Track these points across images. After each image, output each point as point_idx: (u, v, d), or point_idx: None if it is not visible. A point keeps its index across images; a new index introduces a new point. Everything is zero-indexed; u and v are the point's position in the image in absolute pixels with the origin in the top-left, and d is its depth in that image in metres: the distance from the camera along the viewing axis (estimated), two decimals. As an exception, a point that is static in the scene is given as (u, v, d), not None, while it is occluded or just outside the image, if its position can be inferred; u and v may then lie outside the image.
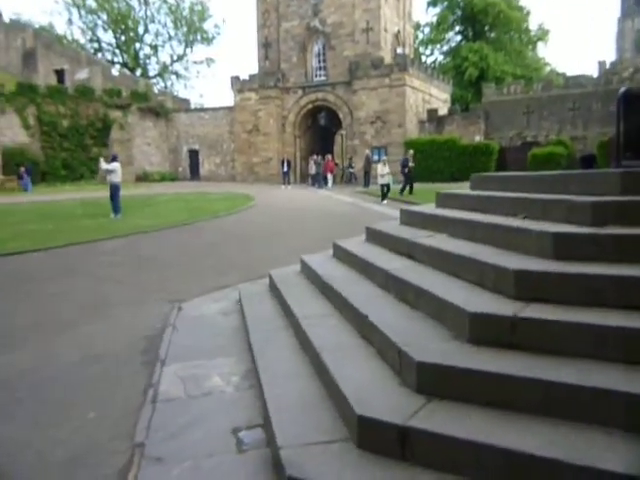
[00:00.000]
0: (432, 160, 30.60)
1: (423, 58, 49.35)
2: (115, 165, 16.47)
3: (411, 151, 24.15)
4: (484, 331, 3.12)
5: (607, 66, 40.40)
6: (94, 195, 25.46)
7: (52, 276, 8.38)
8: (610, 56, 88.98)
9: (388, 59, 33.26)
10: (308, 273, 6.13)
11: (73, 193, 28.27)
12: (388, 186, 20.04)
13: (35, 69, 43.62)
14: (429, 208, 6.37)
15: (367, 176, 29.84)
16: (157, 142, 39.80)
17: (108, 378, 4.40)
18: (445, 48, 50.70)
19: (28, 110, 34.83)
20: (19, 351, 5.10)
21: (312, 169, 30.96)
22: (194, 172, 39.71)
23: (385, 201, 19.44)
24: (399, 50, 33.50)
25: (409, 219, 6.05)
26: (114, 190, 16.22)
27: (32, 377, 4.45)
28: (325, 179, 31.35)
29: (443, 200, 6.14)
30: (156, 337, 5.38)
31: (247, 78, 36.60)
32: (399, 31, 36.37)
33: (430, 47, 50.95)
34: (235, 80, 36.90)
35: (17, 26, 45.33)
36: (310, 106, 35.49)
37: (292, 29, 35.14)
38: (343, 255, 6.03)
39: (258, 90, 35.93)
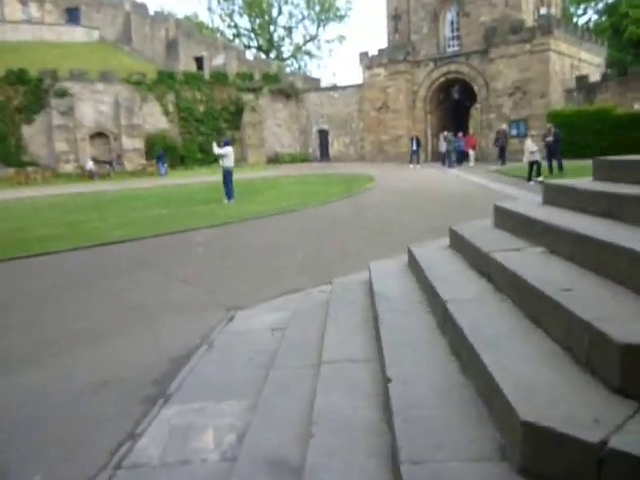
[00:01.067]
0: (580, 134, 27.10)
1: (574, 19, 44.31)
2: (227, 149, 16.21)
3: (549, 125, 21.39)
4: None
5: None
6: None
7: (125, 270, 8.02)
8: None
9: (530, 22, 30.00)
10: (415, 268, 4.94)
11: (205, 176, 29.09)
12: (538, 164, 17.97)
13: (177, 57, 45.85)
14: (529, 206, 4.85)
15: (503, 153, 27.31)
16: (287, 123, 39.93)
17: (93, 419, 3.64)
18: (601, 5, 45.11)
19: (167, 97, 36.55)
20: (29, 372, 4.55)
21: (442, 146, 28.89)
22: (324, 153, 39.33)
23: (532, 182, 17.36)
24: (542, 11, 30.01)
25: (502, 221, 4.62)
26: (227, 175, 16.00)
27: (21, 411, 3.83)
28: (463, 156, 29.05)
29: (553, 194, 4.61)
30: (182, 359, 4.58)
31: (376, 53, 35.20)
32: (544, -11, 32.70)
33: (583, 5, 45.60)
34: (363, 56, 35.67)
35: (161, 17, 47.83)
36: (442, 79, 33.26)
37: (423, -3, 33.04)
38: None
39: (387, 65, 34.41)
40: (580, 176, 6.24)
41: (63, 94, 33.21)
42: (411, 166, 29.14)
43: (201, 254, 9.01)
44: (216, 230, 11.24)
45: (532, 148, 17.92)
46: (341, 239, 9.55)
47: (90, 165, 31.92)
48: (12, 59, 34.43)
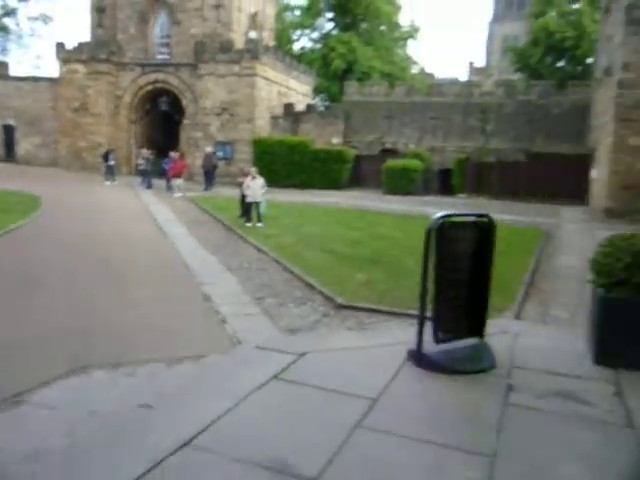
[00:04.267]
0: (281, 164, 27.36)
1: (290, 44, 45.80)
2: None
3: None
4: None
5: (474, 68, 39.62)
6: None
7: None
8: (481, 59, 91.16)
9: (241, 43, 29.34)
10: None
11: None
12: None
13: None
14: None
15: (208, 176, 25.93)
16: (-37, 112, 32.82)
17: None
18: (315, 35, 47.57)
19: None
20: None
21: (141, 164, 26.28)
22: (10, 152, 33.30)
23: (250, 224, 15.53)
24: (252, 34, 29.61)
25: None
26: None
27: None
28: (168, 181, 23.46)
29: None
30: None
31: (76, 46, 30.87)
32: (257, 12, 32.47)
33: (300, 31, 47.49)
34: (60, 47, 30.98)
35: None
36: (150, 87, 30.62)
37: (131, -6, 29.97)
38: None
39: (88, 62, 30.35)
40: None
41: None
42: (107, 183, 25.94)
43: None
44: None
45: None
46: None
47: None
48: None
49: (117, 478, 3.04)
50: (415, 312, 4.57)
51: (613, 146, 18.58)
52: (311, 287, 9.38)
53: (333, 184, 27.27)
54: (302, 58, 42.55)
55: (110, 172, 26.49)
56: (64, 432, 3.62)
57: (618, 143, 18.37)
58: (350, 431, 3.46)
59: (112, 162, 26.60)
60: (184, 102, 29.95)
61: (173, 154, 24.44)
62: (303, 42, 48.15)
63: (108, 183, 25.96)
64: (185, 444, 3.28)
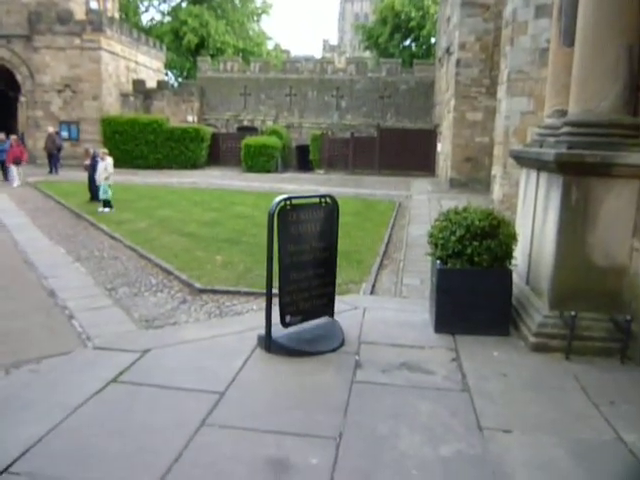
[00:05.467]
0: (134, 144, 25.99)
1: (138, 16, 43.33)
2: None
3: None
4: None
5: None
6: None
7: None
8: (335, 36, 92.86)
9: (81, 14, 27.16)
10: None
11: None
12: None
13: None
14: None
15: (53, 159, 23.92)
16: None
17: None
18: (164, 7, 45.41)
19: None
20: None
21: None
22: None
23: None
24: (93, 4, 27.54)
25: None
26: None
27: None
28: (5, 170, 20.79)
29: None
30: None
31: None
32: (97, -20, 30.22)
33: (147, 2, 45.05)
34: None
35: None
36: (-23, 61, 27.46)
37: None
38: None
39: None
40: None
41: None
42: None
43: None
44: None
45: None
46: None
47: None
48: None
49: None
50: (276, 291, 4.48)
51: (454, 121, 19.87)
52: (168, 273, 9.05)
53: (191, 164, 26.50)
54: (151, 31, 40.48)
55: None
56: None
57: (458, 118, 19.67)
58: (193, 432, 3.30)
59: None
60: (19, 77, 27.25)
61: (11, 137, 21.36)
62: (151, 14, 45.84)
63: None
64: (3, 470, 2.91)
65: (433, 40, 36.39)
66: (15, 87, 27.65)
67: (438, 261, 5.09)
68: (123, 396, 3.74)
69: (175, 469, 2.95)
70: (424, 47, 38.59)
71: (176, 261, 9.60)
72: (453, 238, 4.93)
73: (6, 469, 2.90)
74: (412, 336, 5.04)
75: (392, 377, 4.17)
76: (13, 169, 20.22)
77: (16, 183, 19.94)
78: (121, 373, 4.06)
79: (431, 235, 5.27)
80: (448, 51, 22.12)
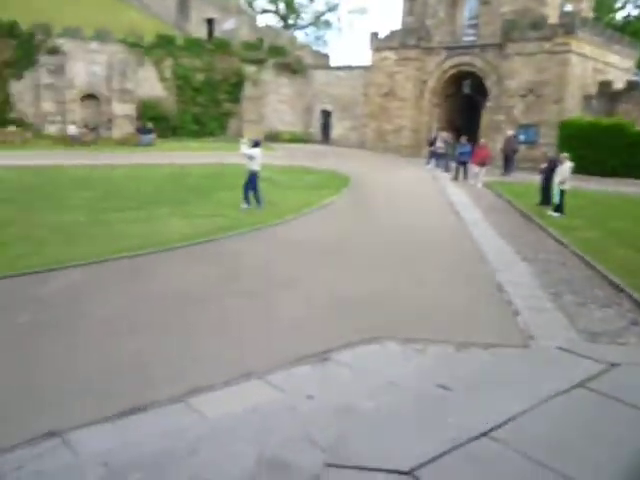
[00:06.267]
0: (591, 149, 24.82)
1: (611, 14, 40.84)
2: (256, 151, 14.35)
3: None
4: None
5: None
6: (210, 160, 24.33)
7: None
8: None
9: (554, 18, 27.28)
10: None
11: (198, 154, 27.51)
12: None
13: (187, 17, 43.68)
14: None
15: (509, 161, 25.16)
16: (292, 100, 37.87)
17: None
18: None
19: (165, 62, 34.69)
20: None
21: (440, 147, 26.18)
22: (325, 134, 37.35)
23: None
24: (568, 7, 27.21)
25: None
26: (252, 178, 14.31)
27: None
28: (465, 168, 22.59)
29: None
30: None
31: (388, 34, 32.74)
32: (576, -19, 29.76)
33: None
34: (373, 37, 33.25)
35: (172, -28, 45.44)
36: (454, 71, 30.78)
37: (443, -22, 30.36)
38: None
39: (397, 49, 32.02)
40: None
41: (54, 51, 31.60)
42: (428, 166, 26.54)
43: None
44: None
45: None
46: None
47: (72, 129, 30.42)
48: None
49: (420, 451, 3.21)
50: None
51: None
52: (618, 288, 8.56)
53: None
54: (625, 28, 37.63)
55: (442, 160, 25.90)
56: (367, 395, 4.02)
57: None
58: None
59: (444, 148, 25.96)
60: (488, 84, 29.32)
61: (480, 141, 23.31)
62: (627, 10, 42.56)
63: (428, 167, 26.43)
64: (483, 434, 3.28)
65: None
66: (482, 93, 29.92)
67: None
68: (589, 403, 3.69)
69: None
70: None
71: (628, 277, 8.88)
72: None
73: (486, 433, 3.28)
74: None
75: None
76: (474, 169, 21.74)
77: (480, 184, 20.97)
78: (589, 379, 4.01)
79: None
80: None
